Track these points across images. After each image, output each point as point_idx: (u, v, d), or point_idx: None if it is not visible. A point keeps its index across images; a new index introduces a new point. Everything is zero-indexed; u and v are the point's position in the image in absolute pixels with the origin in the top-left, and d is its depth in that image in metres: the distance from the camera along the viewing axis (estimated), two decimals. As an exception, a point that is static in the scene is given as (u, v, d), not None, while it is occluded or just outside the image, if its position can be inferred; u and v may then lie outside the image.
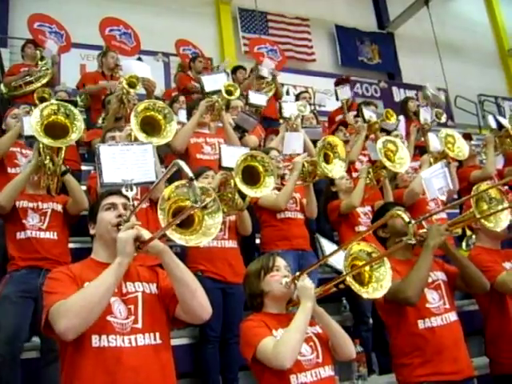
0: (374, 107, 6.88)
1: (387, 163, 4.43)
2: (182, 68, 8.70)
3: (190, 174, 1.85)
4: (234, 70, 8.58)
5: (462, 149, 5.05)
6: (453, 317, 3.02)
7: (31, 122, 3.35)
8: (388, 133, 6.15)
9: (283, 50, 11.76)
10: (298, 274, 2.64)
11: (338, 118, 7.26)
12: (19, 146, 4.62)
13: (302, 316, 2.45)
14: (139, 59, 7.75)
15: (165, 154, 5.27)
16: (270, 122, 7.23)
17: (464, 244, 3.72)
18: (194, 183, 1.85)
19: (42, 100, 6.11)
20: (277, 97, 7.85)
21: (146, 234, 2.12)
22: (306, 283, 2.54)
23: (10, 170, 4.45)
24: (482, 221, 3.21)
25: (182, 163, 1.88)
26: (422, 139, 6.28)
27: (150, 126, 3.71)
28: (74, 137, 3.41)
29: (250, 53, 9.77)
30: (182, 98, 6.49)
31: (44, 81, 6.82)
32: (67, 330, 1.96)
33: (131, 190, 2.22)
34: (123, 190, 2.23)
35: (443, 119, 6.97)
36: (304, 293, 2.52)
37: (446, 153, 4.97)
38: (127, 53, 7.93)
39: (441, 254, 3.26)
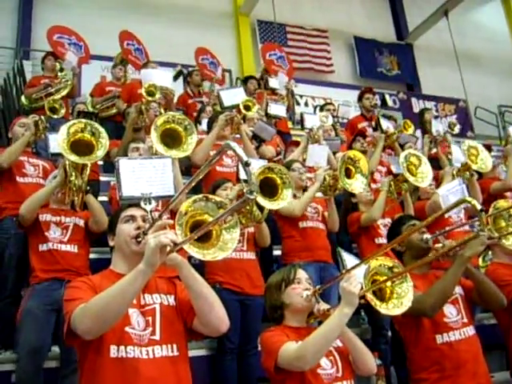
0: (394, 121, 6.86)
1: (410, 177, 4.41)
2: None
3: (245, 158, 1.66)
4: (245, 80, 8.61)
5: (485, 161, 5.00)
6: (471, 331, 2.99)
7: (58, 140, 3.39)
8: (401, 146, 6.15)
9: (301, 61, 11.81)
10: (318, 287, 2.62)
11: (361, 125, 7.24)
12: (26, 154, 4.67)
13: (336, 320, 2.32)
14: None
15: (185, 166, 5.30)
16: (282, 135, 7.25)
17: (480, 260, 3.67)
18: (250, 169, 1.66)
19: (53, 110, 6.18)
20: (287, 109, 7.87)
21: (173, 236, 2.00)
22: (351, 287, 2.31)
23: (19, 179, 4.49)
24: (500, 239, 3.18)
25: (235, 145, 1.70)
26: (435, 150, 6.26)
27: (171, 138, 3.74)
28: (99, 154, 3.46)
29: (263, 59, 9.78)
30: (208, 108, 6.53)
31: (64, 92, 6.87)
32: (86, 331, 1.98)
33: (149, 203, 2.23)
34: (142, 204, 2.24)
35: (456, 130, 6.94)
36: (346, 296, 2.32)
37: (469, 165, 4.93)
38: (140, 68, 8.02)
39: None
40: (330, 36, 13.69)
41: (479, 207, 2.61)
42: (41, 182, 4.52)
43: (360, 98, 7.60)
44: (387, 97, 8.10)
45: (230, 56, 12.13)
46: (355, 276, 2.38)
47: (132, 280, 1.98)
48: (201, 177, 1.86)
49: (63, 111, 6.28)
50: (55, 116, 6.17)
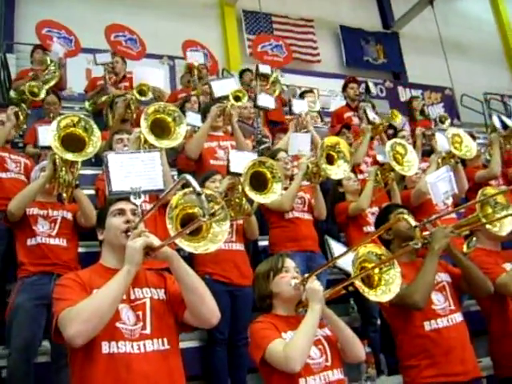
0: (372, 107, 6.87)
1: (396, 166, 4.44)
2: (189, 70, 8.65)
3: (198, 189, 1.89)
4: (241, 73, 8.60)
5: (469, 147, 5.02)
6: (459, 318, 3.03)
7: (48, 136, 3.31)
8: (395, 130, 6.17)
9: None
10: (306, 275, 2.65)
11: (346, 115, 7.26)
12: (7, 151, 4.62)
13: (310, 318, 2.46)
14: None
15: (173, 159, 5.28)
16: (275, 124, 7.27)
17: (465, 246, 3.72)
18: (202, 197, 1.89)
19: (33, 94, 6.10)
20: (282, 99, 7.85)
21: (155, 241, 2.15)
22: (315, 285, 2.54)
23: (1, 175, 4.45)
24: (487, 225, 3.22)
25: (190, 178, 1.92)
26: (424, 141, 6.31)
27: (160, 129, 3.70)
28: (90, 150, 3.36)
29: (253, 53, 9.71)
30: (193, 98, 6.50)
31: (51, 83, 6.74)
32: (75, 336, 1.99)
33: (139, 197, 2.25)
34: (131, 198, 2.26)
35: (447, 123, 7.01)
36: (312, 295, 2.52)
37: (453, 153, 4.96)
38: (133, 57, 7.98)
39: (444, 255, 3.27)
40: (316, 25, 13.65)
41: (413, 223, 2.89)
42: (22, 178, 4.50)
43: (344, 88, 7.63)
44: (370, 84, 8.13)
45: (216, 47, 12.04)
46: (315, 277, 2.61)
47: (118, 281, 2.08)
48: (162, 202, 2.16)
49: (43, 92, 6.18)
50: (36, 99, 6.07)
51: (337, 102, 8.29)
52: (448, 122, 7.25)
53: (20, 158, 4.66)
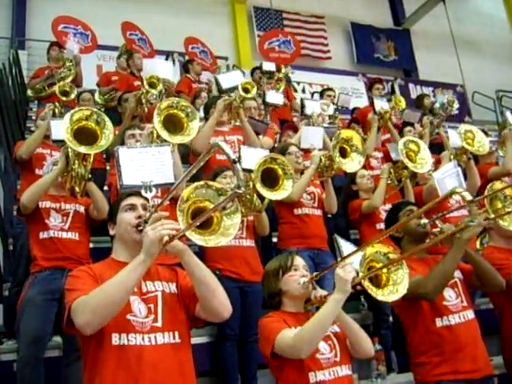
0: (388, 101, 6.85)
1: (409, 164, 4.41)
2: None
3: (233, 156, 1.77)
4: (252, 71, 8.62)
5: (482, 143, 4.99)
6: (470, 315, 3.01)
7: (61, 128, 3.35)
8: (412, 125, 6.16)
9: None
10: (315, 274, 2.65)
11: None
12: (49, 147, 4.65)
13: (329, 307, 2.40)
14: None
15: (182, 154, 5.27)
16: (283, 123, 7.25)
17: (478, 243, 3.69)
18: (238, 166, 1.77)
19: (64, 94, 6.15)
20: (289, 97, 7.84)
21: (173, 228, 2.07)
22: (345, 274, 2.38)
23: (38, 172, 4.47)
24: (497, 220, 3.19)
25: (223, 144, 1.83)
26: (436, 131, 6.27)
27: (172, 125, 3.69)
28: (103, 143, 3.41)
29: (260, 50, 9.63)
30: (203, 94, 6.46)
31: (67, 81, 6.78)
32: (87, 324, 2.00)
33: (150, 191, 2.24)
34: (142, 192, 2.25)
35: (455, 106, 6.95)
36: (339, 283, 2.40)
37: (465, 148, 4.93)
38: (144, 57, 7.99)
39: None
40: (327, 22, 13.62)
41: (468, 198, 2.73)
42: None
43: (370, 89, 7.66)
44: (396, 86, 8.15)
45: (227, 43, 12.10)
46: (350, 263, 2.46)
47: (132, 270, 2.05)
48: (190, 175, 2.03)
49: (75, 92, 6.26)
50: (66, 98, 6.15)
51: (351, 102, 8.23)
52: (455, 104, 7.18)
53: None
